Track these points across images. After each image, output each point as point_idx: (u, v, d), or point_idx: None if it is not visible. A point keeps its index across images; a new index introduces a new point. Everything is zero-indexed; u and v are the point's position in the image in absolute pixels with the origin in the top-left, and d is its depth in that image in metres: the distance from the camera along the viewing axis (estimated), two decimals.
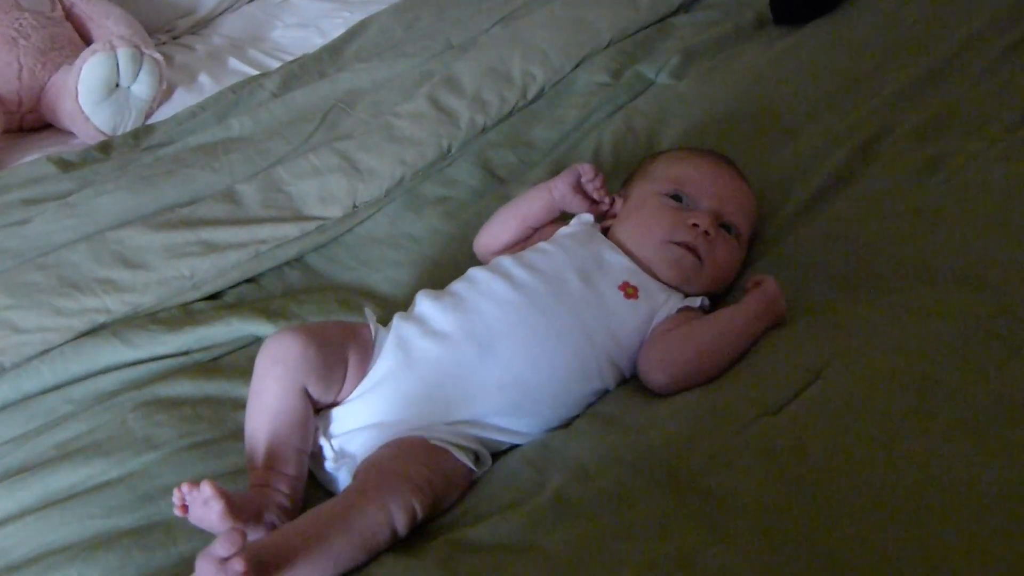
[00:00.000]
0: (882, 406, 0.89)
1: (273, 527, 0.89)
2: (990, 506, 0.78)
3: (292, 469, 0.93)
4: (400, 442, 0.94)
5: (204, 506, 0.83)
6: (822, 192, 1.25)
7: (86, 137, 1.69)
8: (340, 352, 0.98)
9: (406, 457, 0.92)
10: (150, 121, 1.69)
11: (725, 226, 1.13)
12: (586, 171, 1.16)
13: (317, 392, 0.96)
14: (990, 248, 1.07)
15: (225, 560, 0.76)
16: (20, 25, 1.71)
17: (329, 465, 0.96)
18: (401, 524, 0.86)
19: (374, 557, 0.85)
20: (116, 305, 1.17)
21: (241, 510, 0.85)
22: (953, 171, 1.21)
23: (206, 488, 0.82)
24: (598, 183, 1.16)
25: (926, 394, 0.90)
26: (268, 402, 0.94)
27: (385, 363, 1.00)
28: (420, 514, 0.88)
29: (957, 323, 0.98)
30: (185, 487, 0.84)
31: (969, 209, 1.13)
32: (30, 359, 1.11)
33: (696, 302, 1.09)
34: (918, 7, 1.54)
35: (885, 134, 1.31)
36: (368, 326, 1.03)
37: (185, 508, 0.85)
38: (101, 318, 1.16)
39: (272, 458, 0.92)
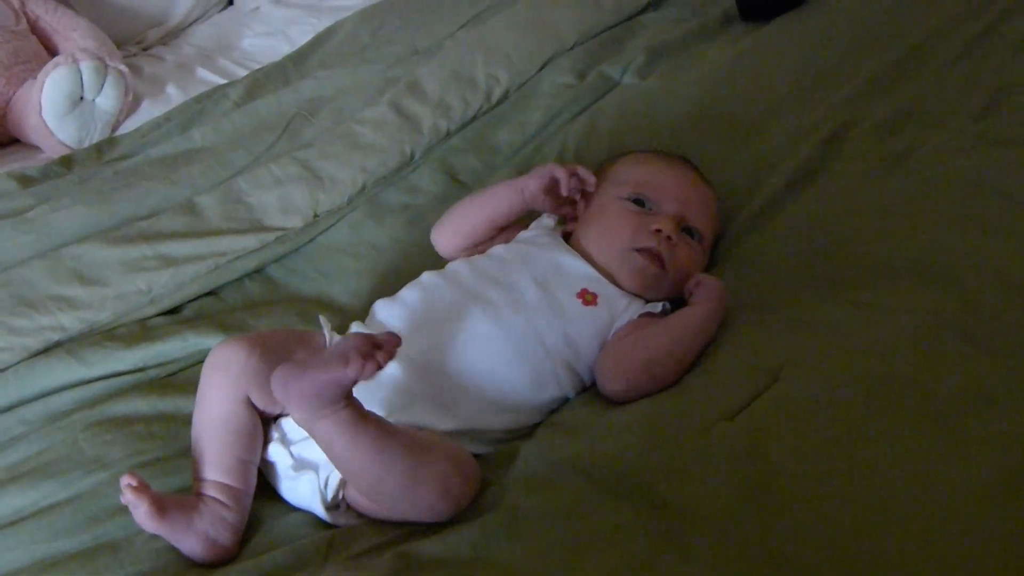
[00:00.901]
0: (842, 407, 0.88)
1: (212, 541, 0.88)
2: (952, 505, 0.77)
3: (236, 480, 0.91)
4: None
5: (133, 506, 0.85)
6: (786, 189, 1.23)
7: (52, 151, 1.68)
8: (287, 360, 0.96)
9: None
10: (117, 133, 1.68)
11: (688, 230, 1.11)
12: (562, 177, 1.11)
13: (261, 402, 0.94)
14: (953, 242, 1.05)
15: (374, 351, 0.80)
16: None
17: (288, 472, 0.94)
18: (455, 492, 0.86)
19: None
20: (71, 322, 1.15)
21: (167, 512, 0.86)
22: (917, 165, 1.19)
23: (127, 494, 0.85)
24: (574, 183, 1.11)
25: (887, 393, 0.88)
26: (211, 411, 0.93)
27: None
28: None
29: (919, 319, 0.96)
30: (125, 478, 0.86)
31: (932, 203, 1.11)
32: None
33: (657, 307, 1.07)
34: (882, 2, 1.53)
35: (849, 129, 1.30)
36: (322, 334, 1.01)
37: None
38: (56, 336, 1.14)
39: (213, 468, 0.91)
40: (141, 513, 0.86)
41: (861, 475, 0.80)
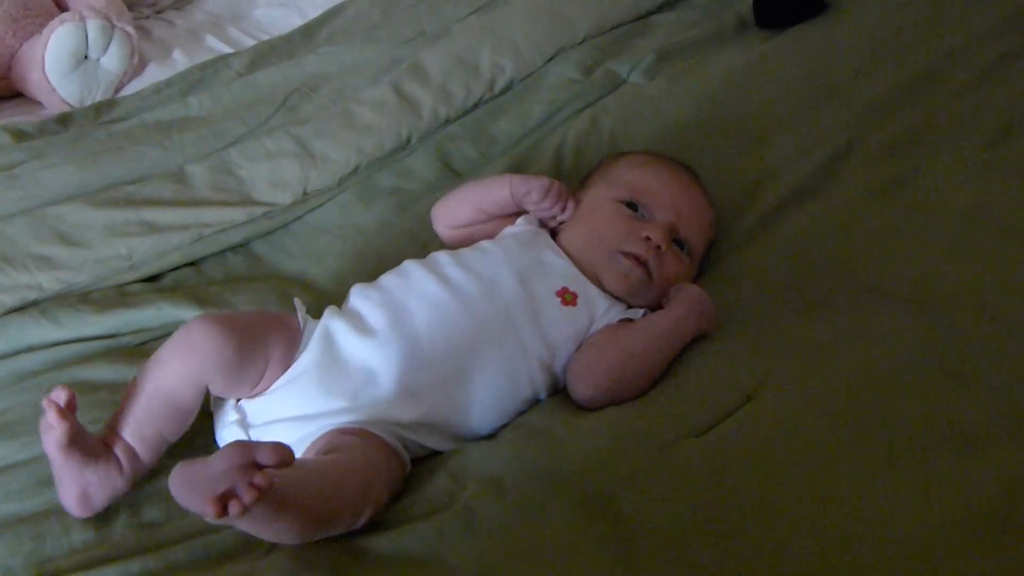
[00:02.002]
0: (812, 433, 0.86)
1: (87, 497, 0.87)
2: (909, 547, 0.75)
3: (146, 454, 0.90)
4: (364, 432, 0.90)
5: (49, 427, 0.83)
6: (783, 205, 1.20)
7: (53, 108, 1.67)
8: (262, 349, 0.93)
9: (380, 450, 0.89)
10: (120, 95, 1.66)
11: (678, 241, 1.08)
12: (537, 192, 1.08)
13: (220, 388, 0.93)
14: (947, 272, 1.02)
15: (256, 468, 0.68)
16: None
17: None
18: (364, 518, 0.83)
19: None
20: (49, 282, 1.14)
21: (74, 449, 0.84)
22: (919, 189, 1.16)
23: (51, 413, 0.82)
24: (548, 204, 1.09)
25: (860, 422, 0.86)
26: (163, 378, 0.90)
27: (309, 356, 0.96)
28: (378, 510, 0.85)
29: (903, 349, 0.94)
30: (57, 391, 0.83)
31: (930, 230, 1.09)
32: None
33: (638, 314, 1.05)
34: (903, 17, 1.49)
35: (855, 147, 1.26)
36: (296, 316, 1.00)
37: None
38: (32, 295, 1.13)
39: (133, 431, 0.89)
40: (52, 439, 0.83)
41: (822, 508, 0.78)
